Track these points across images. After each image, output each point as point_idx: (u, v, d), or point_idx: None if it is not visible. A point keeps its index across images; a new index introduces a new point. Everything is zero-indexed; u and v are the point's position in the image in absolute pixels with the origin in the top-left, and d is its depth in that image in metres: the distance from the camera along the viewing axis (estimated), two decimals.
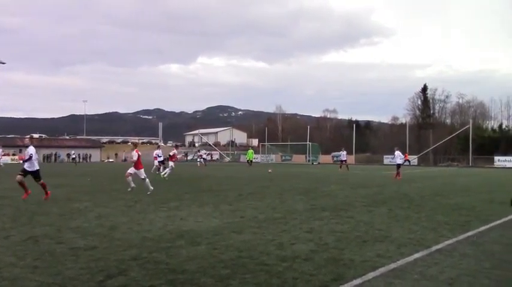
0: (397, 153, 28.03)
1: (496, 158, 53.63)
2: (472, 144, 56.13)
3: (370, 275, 5.52)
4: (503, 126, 78.01)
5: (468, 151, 56.47)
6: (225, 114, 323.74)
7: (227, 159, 78.68)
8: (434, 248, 7.02)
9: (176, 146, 32.91)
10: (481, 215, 10.65)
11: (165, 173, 24.18)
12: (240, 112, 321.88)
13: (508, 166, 50.00)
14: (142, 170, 15.79)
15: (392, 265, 5.97)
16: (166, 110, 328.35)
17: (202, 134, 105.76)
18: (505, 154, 57.36)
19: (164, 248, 6.92)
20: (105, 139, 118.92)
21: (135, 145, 17.46)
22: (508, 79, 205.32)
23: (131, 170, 15.75)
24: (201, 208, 11.70)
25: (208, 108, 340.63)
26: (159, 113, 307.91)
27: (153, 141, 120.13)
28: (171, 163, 25.68)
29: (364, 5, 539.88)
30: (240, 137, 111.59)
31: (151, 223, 9.34)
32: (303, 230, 8.54)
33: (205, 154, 58.88)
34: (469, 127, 58.21)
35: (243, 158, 75.42)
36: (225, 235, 7.96)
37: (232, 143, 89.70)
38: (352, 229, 8.71)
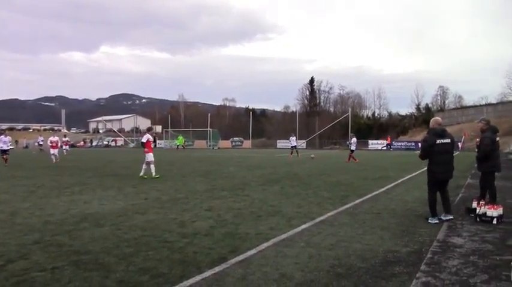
0: (292, 138, 32.97)
1: (370, 141, 57.90)
2: (350, 129, 59.83)
3: (263, 245, 5.71)
4: (376, 114, 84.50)
5: (348, 135, 60.09)
6: (129, 102, 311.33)
7: (131, 145, 75.94)
8: (318, 219, 7.45)
9: (65, 135, 31.64)
10: (357, 190, 11.46)
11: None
12: (143, 100, 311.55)
13: (379, 148, 54.22)
14: (151, 154, 15.12)
15: (283, 236, 6.23)
16: (69, 97, 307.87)
17: (106, 121, 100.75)
18: (377, 138, 62.16)
19: (67, 231, 6.55)
20: (4, 126, 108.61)
21: (148, 129, 16.37)
22: (378, 74, 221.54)
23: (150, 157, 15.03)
24: (105, 192, 11.24)
25: (112, 96, 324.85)
26: (61, 101, 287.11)
27: (56, 128, 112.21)
28: (53, 151, 24.72)
29: (260, 3, 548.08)
30: (144, 124, 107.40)
31: (54, 207, 8.78)
32: (203, 208, 8.58)
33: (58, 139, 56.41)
34: (348, 115, 61.69)
35: None
36: (128, 216, 7.74)
37: (136, 130, 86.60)
38: (248, 206, 8.92)
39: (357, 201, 9.57)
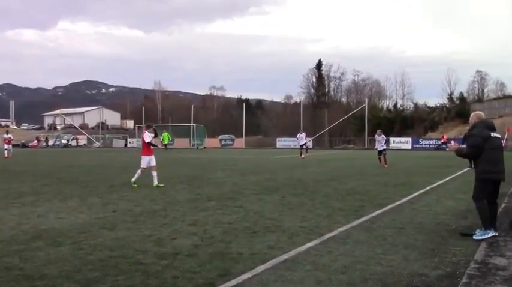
0: (301, 135, 33.22)
1: (392, 139, 58.10)
2: (367, 124, 59.85)
3: (260, 268, 5.72)
4: (398, 105, 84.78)
5: (364, 131, 60.16)
6: (93, 92, 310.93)
7: (96, 144, 75.86)
8: (327, 235, 7.46)
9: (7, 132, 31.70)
10: (375, 200, 11.50)
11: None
12: (111, 89, 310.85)
13: (403, 147, 54.16)
14: (153, 158, 15.01)
15: (284, 256, 6.23)
16: (19, 85, 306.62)
17: (66, 114, 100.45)
18: (399, 135, 62.30)
19: (17, 251, 6.53)
20: None
21: (148, 127, 15.96)
22: (401, 56, 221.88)
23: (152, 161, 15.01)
24: (63, 203, 11.21)
25: (72, 84, 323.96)
26: (10, 90, 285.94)
27: (3, 123, 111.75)
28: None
29: None
30: (112, 118, 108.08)
31: (1, 222, 8.76)
32: (186, 222, 8.58)
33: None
34: (364, 106, 61.85)
35: (116, 143, 73.37)
36: (93, 233, 7.73)
37: (102, 126, 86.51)
38: (241, 219, 8.93)
39: (375, 213, 9.59)
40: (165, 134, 54.47)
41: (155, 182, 14.64)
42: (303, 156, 31.59)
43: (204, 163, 28.18)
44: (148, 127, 15.83)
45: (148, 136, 15.10)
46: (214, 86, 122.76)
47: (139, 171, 14.95)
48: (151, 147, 15.22)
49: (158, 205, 10.74)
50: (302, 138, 33.33)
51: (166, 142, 51.83)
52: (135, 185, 14.50)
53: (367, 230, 7.89)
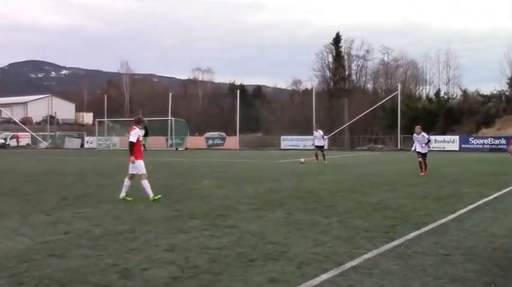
0: (318, 133, 33.61)
1: (433, 138, 58.02)
2: (401, 118, 59.78)
3: None
4: (442, 93, 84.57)
5: (396, 127, 60.10)
6: (39, 75, 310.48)
7: (44, 144, 75.92)
8: (348, 265, 7.43)
9: None
10: (410, 217, 11.48)
11: None
12: (64, 72, 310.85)
13: (447, 148, 54.01)
14: (141, 163, 14.78)
15: None
16: None
17: (2, 105, 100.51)
18: (443, 131, 62.24)
19: None
20: None
21: (137, 121, 15.56)
22: (444, 30, 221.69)
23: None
24: None
25: (11, 66, 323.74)
26: None
27: None
28: None
29: None
30: (65, 110, 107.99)
31: None
32: (161, 248, 8.56)
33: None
34: (397, 94, 61.84)
35: (70, 143, 73.34)
36: (38, 261, 7.70)
37: (51, 120, 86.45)
38: (234, 243, 8.90)
39: (411, 235, 9.58)
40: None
41: (122, 194, 14.69)
42: (318, 160, 31.61)
43: (186, 168, 28.17)
44: (138, 121, 15.53)
45: (136, 134, 14.83)
46: (199, 67, 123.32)
47: (145, 181, 14.62)
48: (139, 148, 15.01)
49: (125, 225, 10.71)
50: (318, 137, 33.47)
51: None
52: (129, 199, 14.43)
53: (400, 258, 7.87)
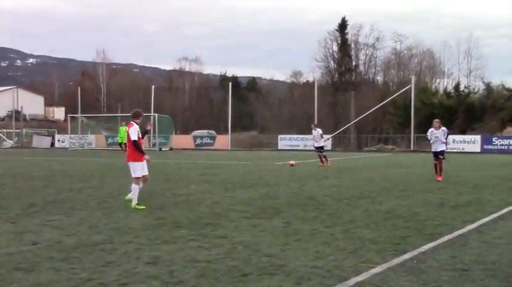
0: (316, 132, 33.19)
1: (451, 137, 57.96)
2: (414, 116, 59.73)
3: None
4: (462, 87, 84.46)
5: (409, 125, 60.06)
6: (3, 64, 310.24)
7: (9, 143, 75.82)
8: (353, 280, 7.46)
9: None
10: (424, 228, 11.51)
11: None
12: (31, 60, 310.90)
13: (468, 149, 53.95)
14: (139, 165, 14.92)
15: None
16: None
17: None
18: (463, 130, 62.23)
19: None
20: None
21: (135, 115, 15.46)
22: (464, 15, 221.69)
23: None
24: None
25: None
26: None
27: None
28: None
29: None
30: (33, 103, 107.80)
31: None
32: (143, 260, 8.58)
33: None
34: (410, 88, 61.79)
35: (38, 141, 73.17)
36: (3, 276, 7.72)
37: (17, 115, 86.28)
38: (224, 255, 8.93)
39: (425, 247, 9.61)
40: (124, 128, 53.49)
41: (130, 197, 14.75)
42: (323, 163, 31.58)
43: (171, 171, 28.17)
44: (137, 116, 15.47)
45: (135, 130, 14.82)
46: (186, 57, 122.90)
47: (135, 186, 14.70)
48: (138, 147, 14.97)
49: (101, 235, 10.72)
50: (317, 137, 33.28)
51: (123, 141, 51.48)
52: (142, 207, 14.27)
53: (412, 273, 7.90)
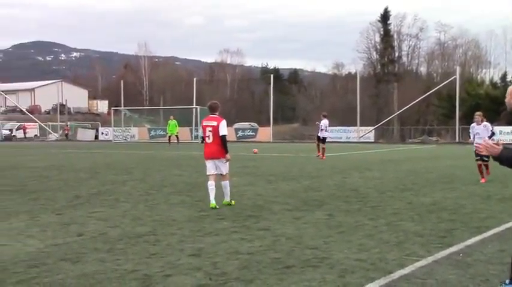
0: (322, 123, 32.13)
1: (497, 129, 57.09)
2: (459, 107, 59.07)
3: None
4: (509, 77, 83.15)
5: (454, 117, 59.39)
6: (48, 58, 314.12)
7: (54, 136, 76.67)
8: (397, 274, 7.42)
9: None
10: (471, 220, 11.40)
11: None
12: (75, 54, 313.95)
13: None
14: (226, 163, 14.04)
15: None
16: None
17: (6, 91, 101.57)
18: (510, 122, 61.27)
19: None
20: None
21: (216, 108, 14.22)
22: None
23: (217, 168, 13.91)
24: (5, 222, 11.36)
25: (15, 47, 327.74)
26: None
27: None
28: None
29: None
30: (77, 97, 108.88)
31: None
32: (186, 252, 8.63)
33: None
34: (455, 79, 61.08)
35: (82, 134, 73.83)
36: (49, 266, 7.81)
37: (62, 109, 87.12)
38: (267, 247, 8.95)
39: (472, 240, 9.53)
40: (173, 121, 52.72)
41: (228, 200, 13.94)
42: (319, 154, 31.36)
43: None
44: (217, 108, 14.33)
45: (225, 125, 13.91)
46: (227, 49, 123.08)
47: (225, 182, 13.96)
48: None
49: (145, 227, 10.81)
50: (324, 127, 32.24)
51: (173, 133, 51.28)
52: (233, 203, 13.84)
53: (458, 267, 7.83)
